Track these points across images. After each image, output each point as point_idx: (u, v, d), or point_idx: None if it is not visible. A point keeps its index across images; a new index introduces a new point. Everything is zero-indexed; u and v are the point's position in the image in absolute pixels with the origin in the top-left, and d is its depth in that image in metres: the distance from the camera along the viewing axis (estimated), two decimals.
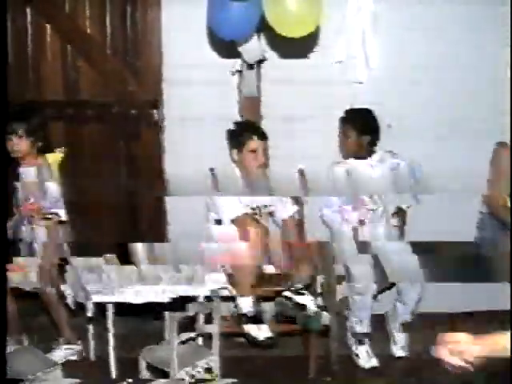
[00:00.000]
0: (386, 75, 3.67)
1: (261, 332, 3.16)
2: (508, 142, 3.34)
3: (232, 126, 3.45)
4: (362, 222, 3.51)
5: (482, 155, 3.38)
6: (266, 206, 3.43)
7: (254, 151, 3.34)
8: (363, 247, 3.46)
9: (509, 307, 2.30)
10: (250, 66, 3.44)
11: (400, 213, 3.58)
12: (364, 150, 3.52)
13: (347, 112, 3.53)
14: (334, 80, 3.64)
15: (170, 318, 2.94)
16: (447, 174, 3.59)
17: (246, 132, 3.37)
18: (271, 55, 3.57)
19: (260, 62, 3.52)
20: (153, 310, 3.16)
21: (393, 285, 3.53)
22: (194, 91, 3.66)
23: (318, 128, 3.66)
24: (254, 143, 3.34)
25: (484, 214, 3.45)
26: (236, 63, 3.51)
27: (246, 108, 3.64)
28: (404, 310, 3.44)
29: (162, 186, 3.73)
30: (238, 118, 3.65)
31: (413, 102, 3.68)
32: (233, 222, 3.28)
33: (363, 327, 3.40)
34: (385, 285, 3.50)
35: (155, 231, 3.75)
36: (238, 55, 3.41)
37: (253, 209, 3.38)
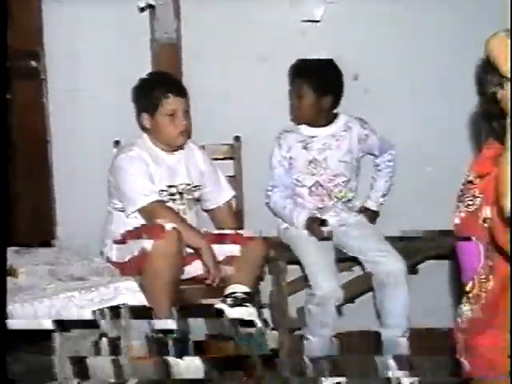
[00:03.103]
0: (349, 11, 3.49)
1: (187, 361, 2.90)
2: None
3: (139, 82, 3.23)
4: (321, 210, 3.37)
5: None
6: (190, 188, 3.24)
7: (171, 114, 3.14)
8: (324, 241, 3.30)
9: None
10: None
11: (367, 212, 3.47)
12: (323, 115, 3.35)
13: (300, 63, 3.33)
14: (279, 18, 3.47)
15: (61, 346, 2.69)
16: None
17: (158, 88, 3.15)
18: None
19: None
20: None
21: (365, 291, 3.38)
22: (88, 35, 3.43)
23: (259, 84, 3.49)
24: (171, 103, 3.13)
25: None
26: None
27: (162, 58, 3.40)
28: (393, 335, 3.24)
29: (46, 167, 3.49)
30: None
31: (387, 47, 3.53)
32: (140, 211, 3.09)
33: (324, 349, 3.19)
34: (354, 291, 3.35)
35: (39, 230, 3.55)
36: None
37: (171, 194, 3.18)
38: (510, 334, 1.84)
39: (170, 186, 3.19)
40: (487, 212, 1.96)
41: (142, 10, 3.34)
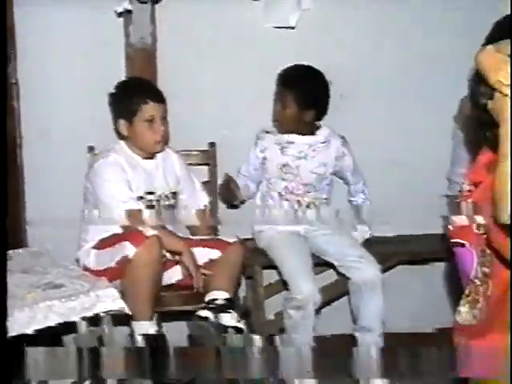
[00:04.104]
0: (323, 17, 3.51)
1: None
2: None
3: (116, 88, 3.20)
4: (292, 213, 3.38)
5: None
6: (168, 194, 3.22)
7: (150, 120, 3.12)
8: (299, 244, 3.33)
9: None
10: (143, 3, 3.21)
11: None
12: (305, 126, 3.37)
13: (288, 72, 3.33)
14: (253, 24, 3.48)
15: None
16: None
17: (136, 94, 3.13)
18: None
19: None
20: None
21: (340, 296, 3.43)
22: (61, 39, 3.39)
23: (234, 90, 3.50)
24: (150, 109, 3.12)
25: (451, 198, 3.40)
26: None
27: (137, 63, 3.38)
28: (368, 339, 3.26)
29: (17, 171, 3.42)
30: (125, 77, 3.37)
31: (362, 52, 3.56)
32: (116, 220, 3.04)
33: (301, 354, 3.24)
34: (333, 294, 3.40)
35: (9, 235, 3.37)
36: None
37: (149, 200, 3.16)
38: (510, 336, 1.90)
39: (148, 193, 3.17)
40: (481, 219, 2.03)
41: (119, 15, 3.31)
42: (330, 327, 3.52)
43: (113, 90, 3.20)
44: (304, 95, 3.28)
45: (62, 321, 2.84)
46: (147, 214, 3.14)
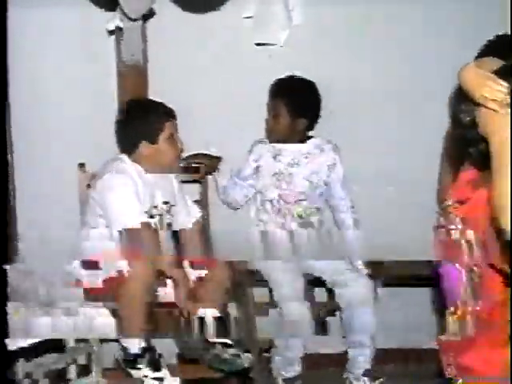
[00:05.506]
0: (314, 35, 3.54)
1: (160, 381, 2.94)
2: None
3: (126, 113, 3.16)
4: (285, 227, 3.39)
5: None
6: (168, 209, 3.19)
7: (171, 136, 3.12)
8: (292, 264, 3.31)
9: None
10: (134, 21, 3.19)
11: None
12: (298, 135, 3.40)
13: (281, 82, 3.37)
14: (243, 41, 3.51)
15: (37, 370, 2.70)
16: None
17: (156, 114, 3.10)
18: (161, 8, 3.31)
19: (147, 17, 3.29)
20: None
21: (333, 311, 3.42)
22: (51, 59, 3.42)
23: (225, 106, 3.52)
24: (171, 125, 3.12)
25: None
26: (114, 17, 3.21)
27: (128, 80, 3.40)
28: (360, 354, 3.28)
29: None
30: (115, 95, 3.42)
31: (349, 71, 3.58)
32: (124, 233, 2.97)
33: (293, 369, 3.27)
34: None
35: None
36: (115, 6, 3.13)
37: (151, 216, 3.12)
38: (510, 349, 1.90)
39: (154, 207, 3.14)
40: (471, 235, 2.03)
41: (111, 32, 3.31)
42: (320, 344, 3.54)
43: (122, 116, 3.16)
44: (296, 104, 3.31)
45: (53, 337, 2.88)
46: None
